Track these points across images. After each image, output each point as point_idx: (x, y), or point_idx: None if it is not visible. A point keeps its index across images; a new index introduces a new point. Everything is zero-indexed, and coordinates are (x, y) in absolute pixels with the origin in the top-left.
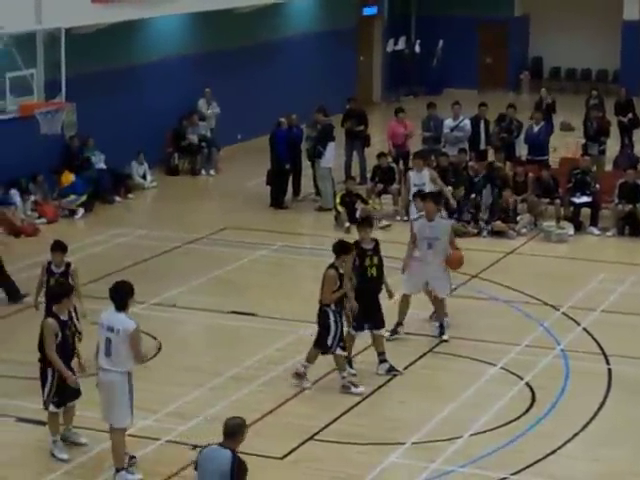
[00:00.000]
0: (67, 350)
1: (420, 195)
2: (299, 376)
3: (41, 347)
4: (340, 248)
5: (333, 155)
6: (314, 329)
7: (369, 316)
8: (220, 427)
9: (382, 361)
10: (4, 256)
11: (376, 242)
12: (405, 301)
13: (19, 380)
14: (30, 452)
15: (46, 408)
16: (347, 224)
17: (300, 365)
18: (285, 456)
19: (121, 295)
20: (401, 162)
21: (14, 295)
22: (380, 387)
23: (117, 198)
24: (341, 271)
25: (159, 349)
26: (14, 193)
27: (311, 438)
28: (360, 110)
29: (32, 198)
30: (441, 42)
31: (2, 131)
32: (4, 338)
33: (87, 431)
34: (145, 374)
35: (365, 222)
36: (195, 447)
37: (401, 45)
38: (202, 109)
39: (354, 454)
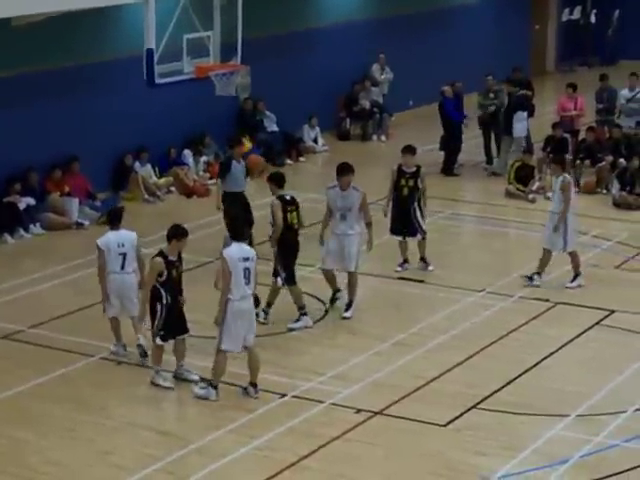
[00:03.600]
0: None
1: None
2: None
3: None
4: None
5: (524, 125)
6: (480, 298)
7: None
8: (384, 391)
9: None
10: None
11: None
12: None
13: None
14: (197, 408)
15: (153, 340)
16: (531, 196)
17: None
18: (448, 423)
19: (240, 227)
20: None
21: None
22: (544, 358)
23: (288, 161)
24: None
25: (325, 312)
26: (187, 154)
27: (474, 406)
28: (525, 79)
29: (204, 159)
30: (617, 12)
31: (178, 92)
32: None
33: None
34: (310, 337)
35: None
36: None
37: (576, 14)
38: (375, 74)
39: (517, 424)
